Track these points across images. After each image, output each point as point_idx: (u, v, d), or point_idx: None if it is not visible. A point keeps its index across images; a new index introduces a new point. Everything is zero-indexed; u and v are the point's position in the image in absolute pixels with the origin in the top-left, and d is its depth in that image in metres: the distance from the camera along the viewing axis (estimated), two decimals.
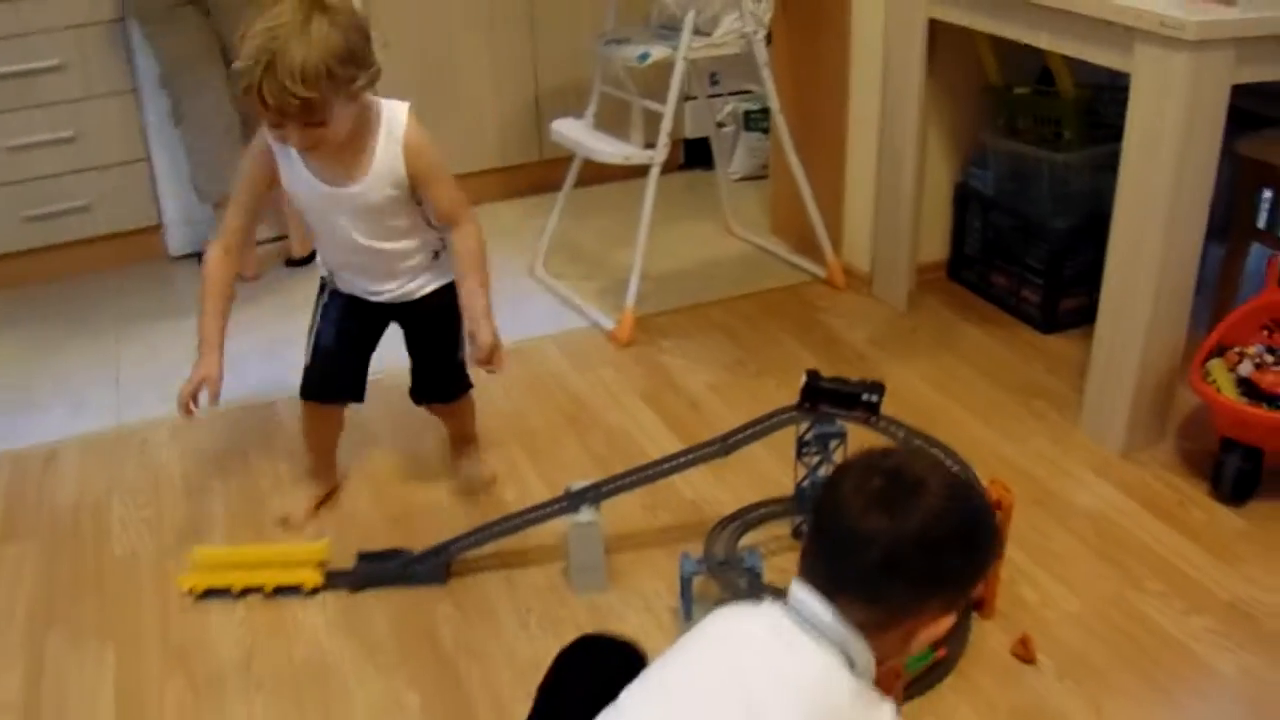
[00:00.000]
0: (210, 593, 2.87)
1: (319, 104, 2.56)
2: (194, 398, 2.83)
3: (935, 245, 4.21)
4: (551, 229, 4.50)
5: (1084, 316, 3.43)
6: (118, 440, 3.52)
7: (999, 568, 2.62)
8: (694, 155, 5.36)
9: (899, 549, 1.68)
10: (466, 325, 2.84)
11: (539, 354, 3.94)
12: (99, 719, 2.56)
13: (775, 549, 2.90)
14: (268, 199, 2.93)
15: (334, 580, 2.88)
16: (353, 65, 2.61)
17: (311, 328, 3.07)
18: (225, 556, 2.92)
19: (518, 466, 3.33)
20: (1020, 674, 2.53)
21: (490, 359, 2.82)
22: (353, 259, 2.94)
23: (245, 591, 2.87)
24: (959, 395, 3.53)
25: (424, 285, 3.01)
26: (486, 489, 3.23)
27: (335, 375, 3.08)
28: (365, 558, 2.90)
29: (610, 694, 1.80)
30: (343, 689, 2.60)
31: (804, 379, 2.74)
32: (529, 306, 4.28)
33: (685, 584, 2.60)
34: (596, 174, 4.52)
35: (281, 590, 2.86)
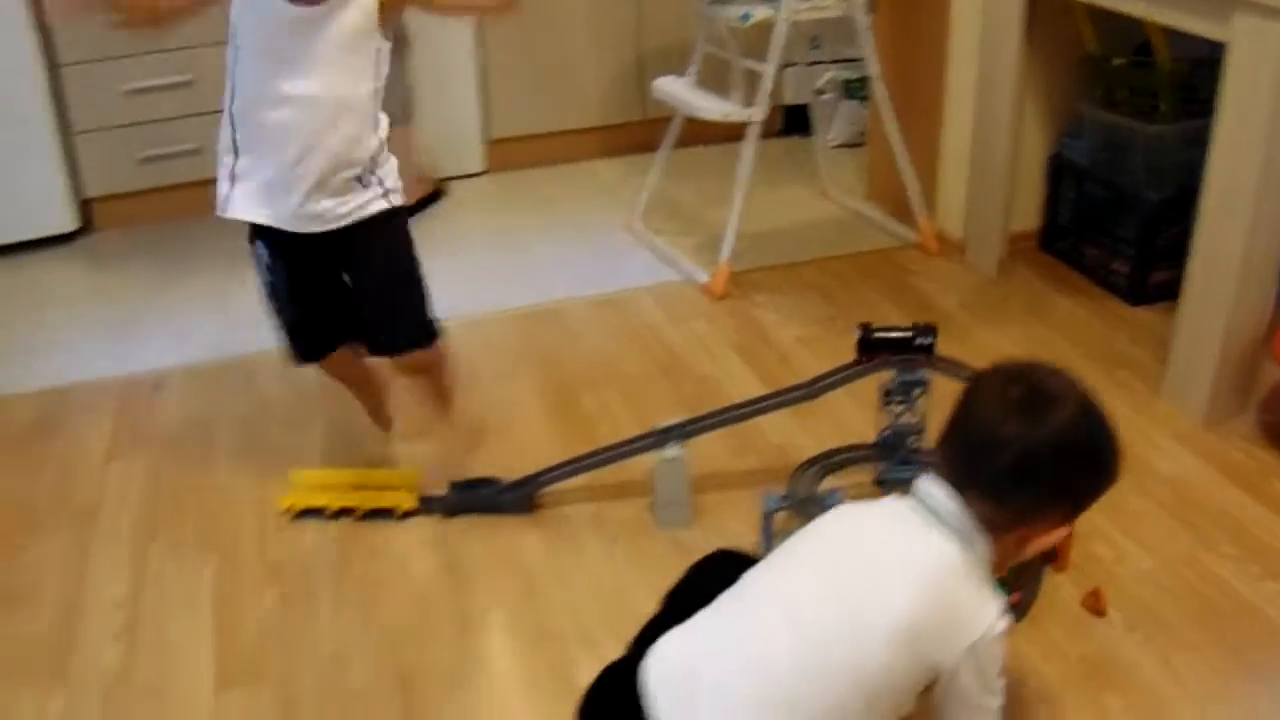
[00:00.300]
0: (306, 513, 2.99)
1: None
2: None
3: (1028, 215, 4.23)
4: (651, 187, 4.56)
5: (1173, 290, 3.43)
6: (223, 370, 3.63)
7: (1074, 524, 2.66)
8: (793, 122, 5.40)
9: (1034, 455, 1.79)
10: None
11: (635, 304, 4.03)
12: (197, 623, 2.68)
13: (856, 494, 2.95)
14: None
15: (426, 505, 2.98)
16: None
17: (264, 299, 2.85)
18: (322, 478, 3.03)
19: (610, 405, 3.42)
20: (1091, 625, 2.56)
21: None
22: (286, 121, 2.55)
23: (340, 513, 2.97)
24: (1043, 359, 3.56)
25: (361, 206, 2.68)
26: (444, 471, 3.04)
27: (313, 340, 2.90)
28: (457, 485, 2.99)
29: None
30: (431, 605, 2.71)
31: (857, 333, 2.80)
32: (626, 260, 4.37)
33: (767, 519, 2.67)
34: (696, 136, 4.58)
35: (375, 513, 2.97)
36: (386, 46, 2.62)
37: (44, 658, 2.59)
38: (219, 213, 2.68)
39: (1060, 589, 2.65)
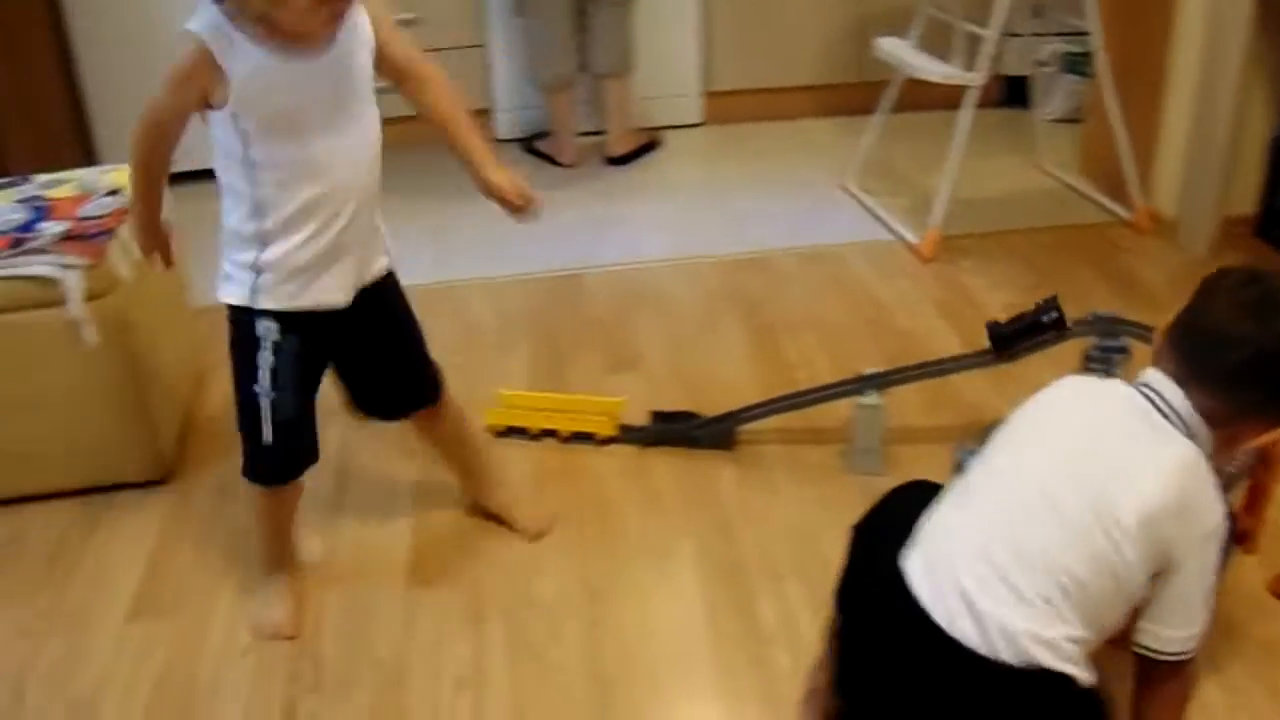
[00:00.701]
0: (510, 431, 3.09)
1: None
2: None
3: (1246, 199, 4.15)
4: (865, 147, 4.59)
5: None
6: (433, 295, 3.73)
7: (1267, 504, 2.61)
8: (1012, 94, 5.37)
9: (1265, 354, 1.86)
10: (481, 176, 2.44)
11: (843, 259, 4.07)
12: (395, 523, 2.83)
13: None
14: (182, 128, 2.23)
15: (626, 434, 3.06)
16: None
17: (249, 393, 2.39)
18: (529, 400, 3.13)
19: (810, 354, 3.47)
20: (1275, 610, 2.53)
21: (525, 196, 2.44)
22: (338, 187, 2.28)
23: (542, 434, 3.07)
24: None
25: (381, 257, 2.51)
26: (538, 535, 2.79)
27: (301, 448, 2.50)
28: (658, 417, 3.07)
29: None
30: (622, 528, 2.79)
31: (987, 333, 2.85)
32: (837, 216, 4.43)
33: (958, 470, 2.68)
34: (913, 100, 4.58)
35: (577, 437, 3.06)
36: None
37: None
38: (247, 304, 2.34)
39: (1249, 572, 2.61)
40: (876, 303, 3.77)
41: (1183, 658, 1.90)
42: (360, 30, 2.24)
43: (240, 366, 2.39)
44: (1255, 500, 2.32)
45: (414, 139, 4.78)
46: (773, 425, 3.04)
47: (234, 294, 2.35)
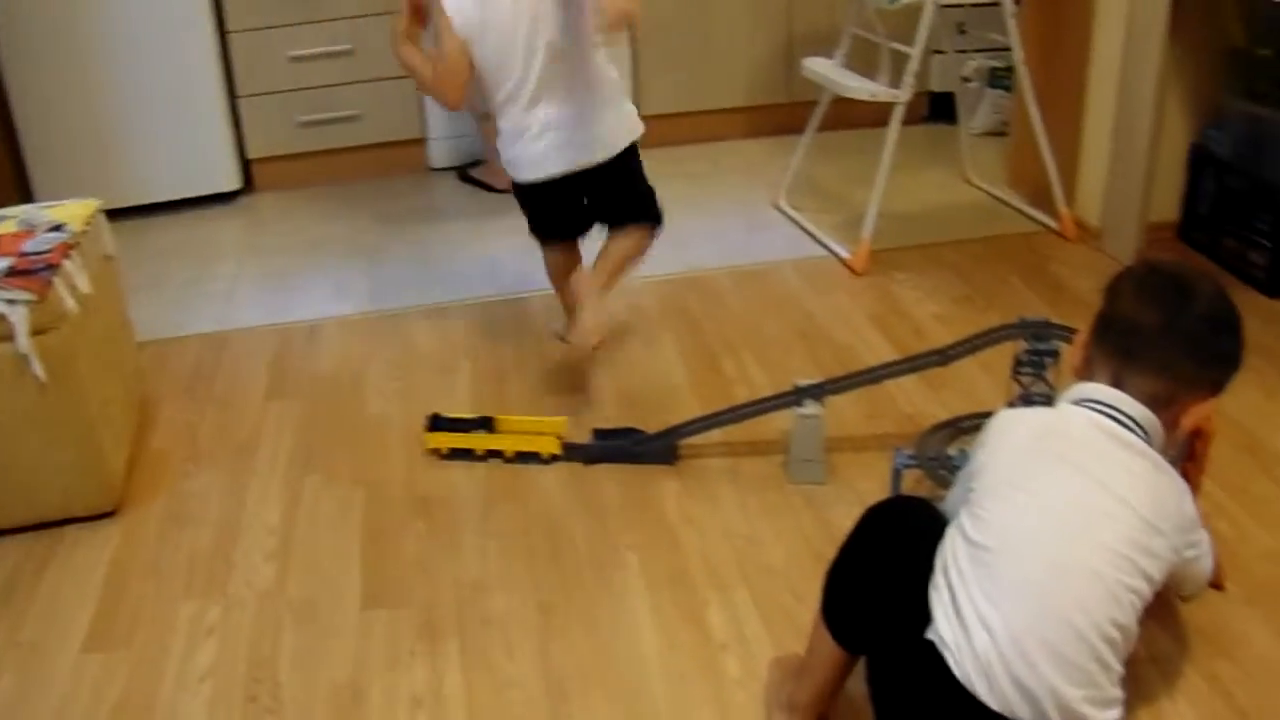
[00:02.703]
0: (455, 453, 3.12)
1: None
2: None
3: (1168, 205, 4.24)
4: (796, 166, 4.65)
5: None
6: (373, 322, 3.78)
7: (1198, 485, 2.66)
8: (938, 109, 5.47)
9: (1184, 332, 2.01)
10: None
11: (778, 275, 4.13)
12: (346, 549, 2.84)
13: None
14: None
15: (571, 452, 3.09)
16: None
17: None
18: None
19: (748, 369, 3.52)
20: (1208, 598, 2.55)
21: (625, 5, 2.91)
22: (563, 88, 3.18)
23: (488, 454, 3.10)
24: None
25: (619, 127, 3.29)
26: (583, 348, 3.31)
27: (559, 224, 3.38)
28: (601, 434, 3.11)
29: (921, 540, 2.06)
30: (570, 542, 2.82)
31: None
32: (771, 234, 4.48)
33: (896, 475, 2.75)
34: (841, 119, 4.65)
35: (521, 456, 3.09)
36: None
37: (204, 573, 2.76)
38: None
39: None
40: (811, 317, 3.83)
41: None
42: None
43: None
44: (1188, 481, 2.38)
45: (333, 174, 4.88)
46: (714, 439, 3.09)
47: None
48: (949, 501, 2.19)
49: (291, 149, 4.90)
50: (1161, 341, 2.02)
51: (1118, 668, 1.91)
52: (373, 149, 5.01)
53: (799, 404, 2.93)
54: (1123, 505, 1.93)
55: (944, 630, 1.92)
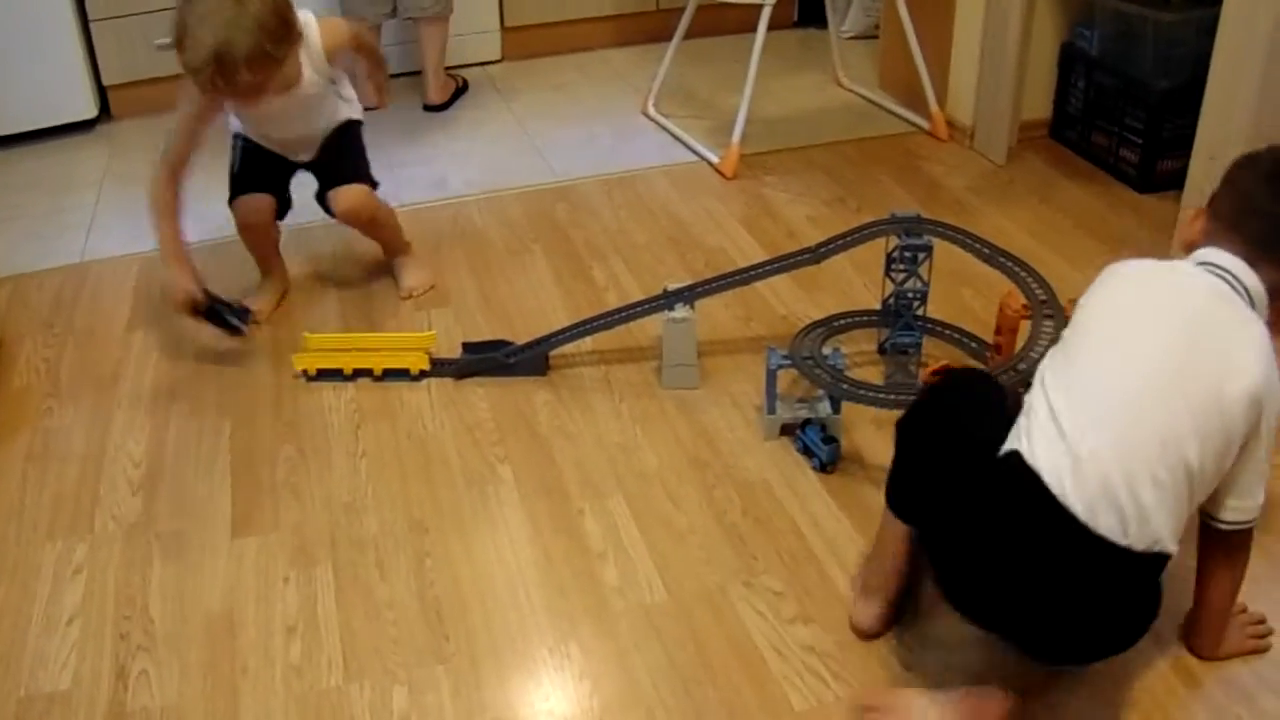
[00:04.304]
0: (323, 374, 3.06)
1: (267, 79, 2.88)
2: (190, 309, 3.08)
3: (1039, 104, 4.25)
4: (664, 73, 4.60)
5: (1180, 179, 3.43)
6: (238, 246, 3.67)
7: None
8: (808, 13, 5.42)
9: None
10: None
11: (647, 182, 4.09)
12: (214, 478, 2.77)
13: (859, 360, 3.04)
14: (207, 131, 3.11)
15: (440, 367, 3.05)
16: (287, 33, 2.89)
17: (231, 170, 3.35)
18: (337, 341, 3.10)
19: (619, 276, 3.49)
20: None
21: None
22: (288, 135, 3.27)
23: (355, 374, 3.05)
24: (1050, 241, 3.59)
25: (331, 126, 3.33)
26: (412, 294, 3.44)
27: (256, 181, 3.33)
28: (470, 347, 3.07)
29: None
30: (442, 458, 2.79)
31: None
32: (639, 141, 4.44)
33: (770, 376, 2.73)
34: (710, 26, 4.62)
35: (390, 374, 3.05)
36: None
37: (69, 511, 2.68)
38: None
39: None
40: (681, 222, 3.80)
41: (1255, 523, 2.07)
42: (319, 72, 3.13)
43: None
44: None
45: None
46: (586, 348, 3.08)
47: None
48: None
49: (149, 73, 4.74)
50: None
51: (1192, 503, 1.95)
52: None
53: (669, 308, 2.90)
54: (1230, 363, 1.94)
55: (1030, 443, 1.95)
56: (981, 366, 2.83)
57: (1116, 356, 1.99)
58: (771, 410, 2.76)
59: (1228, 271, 2.02)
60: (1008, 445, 1.99)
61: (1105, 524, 1.86)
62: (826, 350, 2.75)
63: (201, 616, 2.39)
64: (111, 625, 2.38)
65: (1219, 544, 2.10)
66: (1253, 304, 2.01)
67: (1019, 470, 1.93)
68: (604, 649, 2.28)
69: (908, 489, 2.17)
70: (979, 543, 1.97)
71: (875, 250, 2.96)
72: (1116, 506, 1.86)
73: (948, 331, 3.01)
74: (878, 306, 3.02)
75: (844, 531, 2.53)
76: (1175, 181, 3.63)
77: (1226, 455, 1.94)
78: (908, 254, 2.88)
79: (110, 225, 3.94)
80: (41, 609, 2.43)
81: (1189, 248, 2.12)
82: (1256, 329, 1.98)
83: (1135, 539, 1.87)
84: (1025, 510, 1.92)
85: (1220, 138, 3.15)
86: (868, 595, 2.29)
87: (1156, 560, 1.92)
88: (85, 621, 2.39)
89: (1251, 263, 2.02)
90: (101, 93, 4.73)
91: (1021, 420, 2.01)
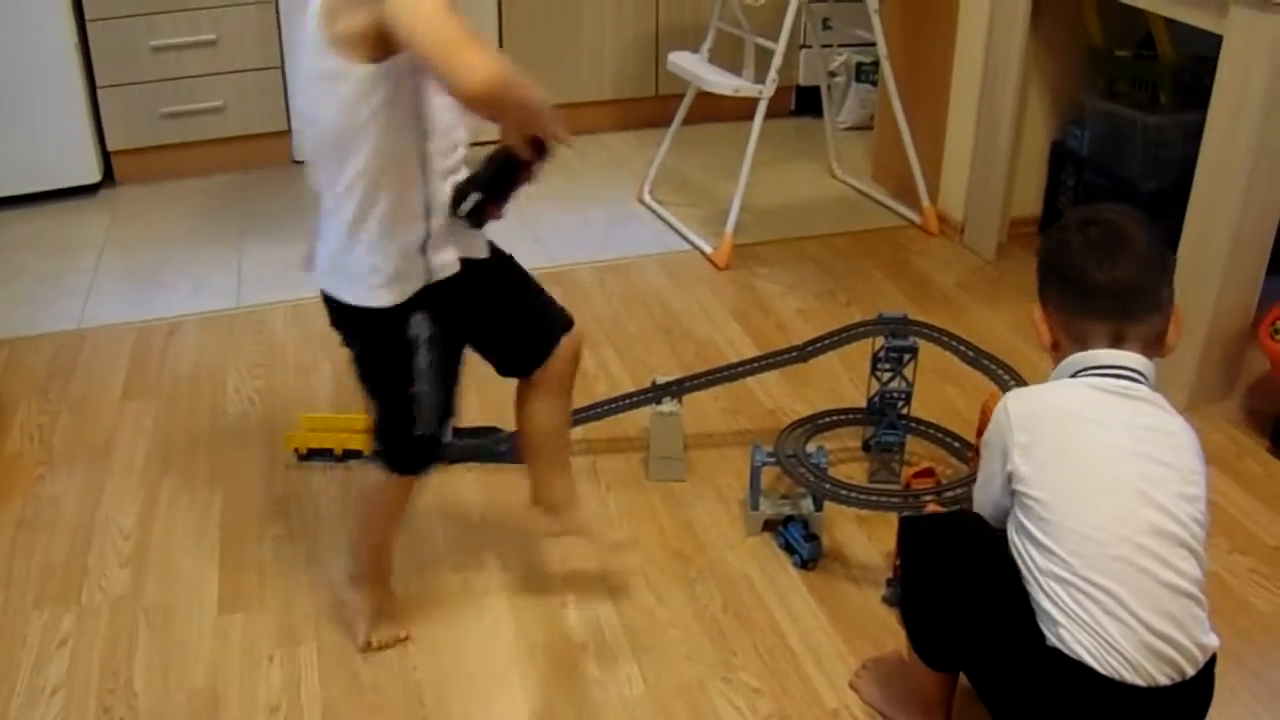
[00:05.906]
0: (314, 454, 3.09)
1: None
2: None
3: (1029, 201, 4.32)
4: (660, 159, 4.66)
5: None
6: (236, 319, 3.73)
7: None
8: (805, 103, 5.50)
9: (1151, 253, 2.04)
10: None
11: (640, 270, 4.14)
12: (203, 553, 2.80)
13: (843, 456, 3.07)
14: None
15: None
16: None
17: (403, 396, 2.31)
18: (330, 422, 3.11)
19: (609, 365, 3.52)
20: None
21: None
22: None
23: (346, 455, 3.07)
24: (1036, 339, 3.60)
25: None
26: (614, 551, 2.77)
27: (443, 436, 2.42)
28: (461, 433, 3.09)
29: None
30: (429, 544, 2.82)
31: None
32: (634, 227, 4.49)
33: (754, 473, 2.76)
34: (707, 112, 4.68)
35: None
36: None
37: (57, 581, 2.70)
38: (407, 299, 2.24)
39: None
40: (673, 312, 3.85)
41: None
42: None
43: (390, 372, 2.29)
44: None
45: (196, 167, 4.82)
46: (575, 437, 3.07)
47: (388, 295, 2.22)
48: (978, 503, 2.19)
49: (153, 141, 4.81)
50: (1146, 282, 2.03)
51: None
52: (237, 141, 4.94)
53: (657, 402, 2.94)
54: (1162, 465, 1.96)
55: (1058, 633, 1.93)
56: (965, 468, 2.86)
57: (1095, 514, 1.96)
58: (755, 506, 2.80)
59: (1114, 368, 2.02)
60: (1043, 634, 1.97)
61: (1165, 675, 1.89)
62: (810, 448, 2.79)
63: (185, 692, 2.40)
64: (95, 699, 2.39)
65: None
66: (1148, 379, 2.03)
67: (1071, 668, 1.91)
68: None
69: (943, 654, 2.16)
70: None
71: (863, 348, 3.01)
72: (1165, 657, 1.89)
73: (931, 431, 3.04)
74: (863, 404, 3.06)
75: (821, 628, 2.56)
76: None
77: (1201, 516, 1.98)
78: (893, 354, 2.92)
79: (109, 291, 3.98)
80: (25, 679, 2.44)
81: (1055, 350, 2.13)
82: (1172, 421, 2.02)
83: (1191, 664, 1.91)
84: (1093, 703, 1.92)
85: (1205, 239, 3.19)
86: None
87: (1210, 662, 1.96)
88: (68, 694, 2.40)
89: (1120, 338, 2.02)
90: (106, 158, 4.78)
91: (1036, 603, 1.97)
